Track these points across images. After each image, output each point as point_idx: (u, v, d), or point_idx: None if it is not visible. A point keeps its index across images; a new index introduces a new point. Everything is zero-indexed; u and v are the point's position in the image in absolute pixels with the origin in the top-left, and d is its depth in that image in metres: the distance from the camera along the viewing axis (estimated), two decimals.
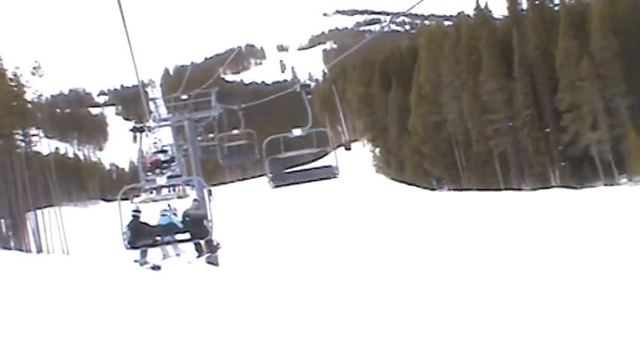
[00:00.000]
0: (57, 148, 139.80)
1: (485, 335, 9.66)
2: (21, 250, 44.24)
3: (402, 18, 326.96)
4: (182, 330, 10.59)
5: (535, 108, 55.90)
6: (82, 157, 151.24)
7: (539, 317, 10.31)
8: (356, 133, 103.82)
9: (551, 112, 55.08)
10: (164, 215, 19.93)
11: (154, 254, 19.58)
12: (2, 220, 47.51)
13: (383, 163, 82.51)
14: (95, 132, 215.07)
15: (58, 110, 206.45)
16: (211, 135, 24.15)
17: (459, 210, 42.32)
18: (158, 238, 13.30)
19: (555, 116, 54.50)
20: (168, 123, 23.39)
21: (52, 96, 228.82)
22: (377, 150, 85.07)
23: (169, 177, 14.15)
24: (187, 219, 14.01)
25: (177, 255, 20.01)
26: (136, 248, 12.93)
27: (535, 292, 12.29)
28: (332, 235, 33.51)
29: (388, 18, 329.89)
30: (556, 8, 58.36)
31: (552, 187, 52.30)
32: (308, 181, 12.92)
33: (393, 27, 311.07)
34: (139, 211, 16.02)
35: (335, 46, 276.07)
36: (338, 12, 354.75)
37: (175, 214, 19.93)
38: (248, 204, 66.52)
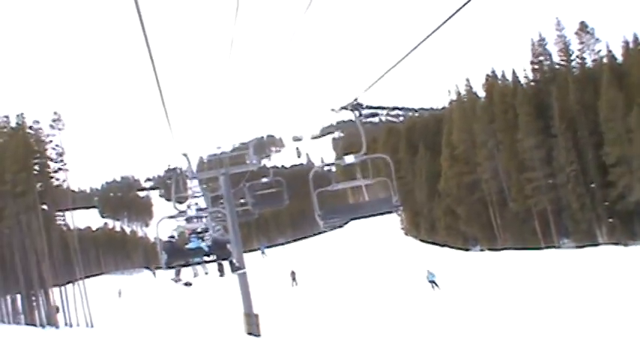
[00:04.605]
0: (105, 223, 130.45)
1: None
2: (34, 325, 32.81)
3: (396, 112, 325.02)
4: None
5: (579, 163, 44.66)
6: (128, 232, 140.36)
7: None
8: None
9: (596, 167, 43.93)
10: (193, 240, 17.15)
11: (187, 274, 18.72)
12: (18, 296, 35.54)
13: (411, 226, 70.39)
14: (142, 212, 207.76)
15: (111, 194, 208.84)
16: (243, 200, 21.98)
17: (497, 269, 37.10)
18: (189, 259, 12.01)
19: (601, 171, 43.38)
20: (200, 185, 20.67)
21: (106, 183, 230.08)
22: (404, 214, 72.78)
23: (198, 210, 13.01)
24: (213, 243, 12.57)
25: (206, 274, 18.89)
26: (172, 267, 11.88)
27: None
28: (371, 302, 30.65)
29: (385, 112, 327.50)
30: (587, 65, 47.76)
31: (599, 244, 41.40)
32: (367, 216, 9.79)
33: (390, 119, 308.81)
34: (174, 237, 13.86)
35: (342, 134, 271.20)
36: (342, 108, 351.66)
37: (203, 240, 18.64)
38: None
